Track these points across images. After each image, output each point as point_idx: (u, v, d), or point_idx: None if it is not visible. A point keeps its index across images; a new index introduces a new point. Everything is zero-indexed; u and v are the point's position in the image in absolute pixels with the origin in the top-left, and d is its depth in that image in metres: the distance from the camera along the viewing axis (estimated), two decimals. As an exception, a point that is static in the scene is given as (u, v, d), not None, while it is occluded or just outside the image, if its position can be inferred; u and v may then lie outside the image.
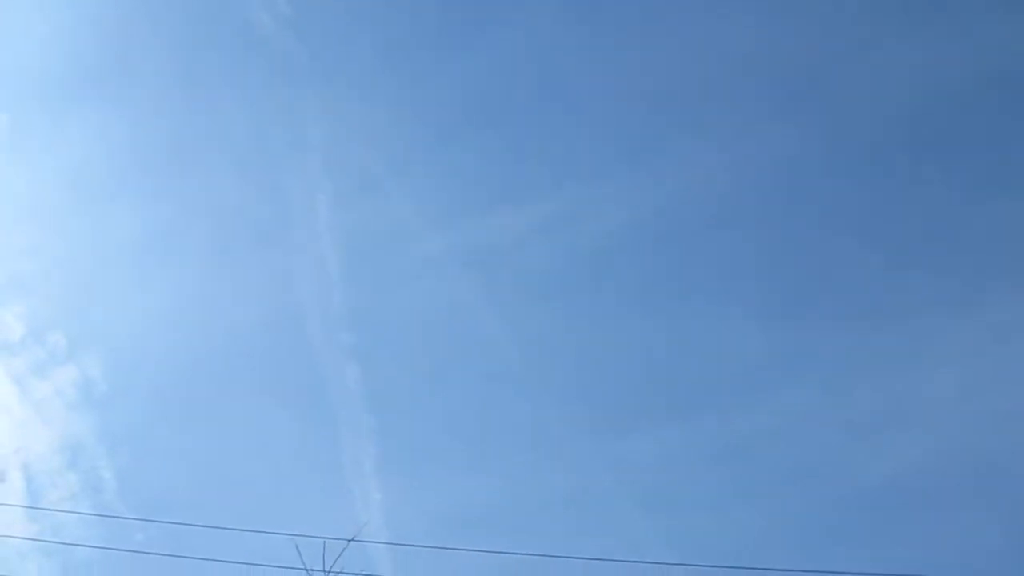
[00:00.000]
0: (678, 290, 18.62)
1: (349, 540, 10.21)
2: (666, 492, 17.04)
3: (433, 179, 19.42)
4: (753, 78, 18.82)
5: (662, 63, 18.97)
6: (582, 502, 16.86)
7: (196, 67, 19.83)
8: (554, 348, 18.60)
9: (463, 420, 18.08)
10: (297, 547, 10.14)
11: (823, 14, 18.71)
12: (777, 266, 18.50)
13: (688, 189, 18.72)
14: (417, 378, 18.63)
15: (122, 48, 19.81)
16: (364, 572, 10.15)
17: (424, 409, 18.27)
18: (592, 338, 18.52)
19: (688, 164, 18.77)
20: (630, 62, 19.09)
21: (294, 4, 19.09)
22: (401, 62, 19.73)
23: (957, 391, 17.18)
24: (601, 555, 13.28)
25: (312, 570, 9.99)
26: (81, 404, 17.81)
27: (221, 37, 19.89)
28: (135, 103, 19.72)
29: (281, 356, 18.53)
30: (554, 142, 19.13)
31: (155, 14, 19.90)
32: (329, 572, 10.00)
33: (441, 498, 16.74)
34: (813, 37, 18.75)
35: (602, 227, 18.83)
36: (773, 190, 18.65)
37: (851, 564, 14.44)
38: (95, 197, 19.24)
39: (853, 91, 18.58)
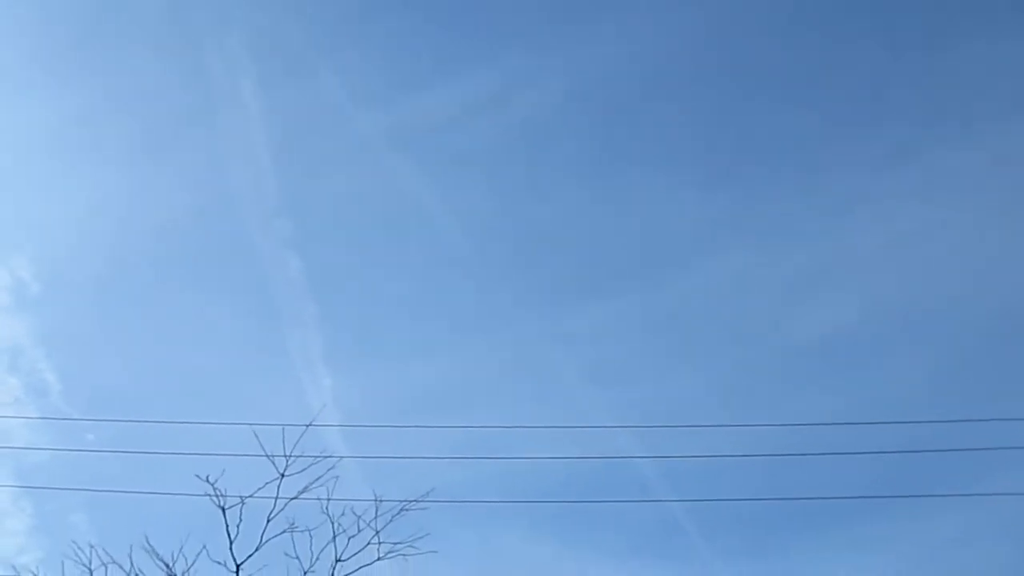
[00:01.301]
0: (615, 161, 18.61)
1: (307, 425, 10.29)
2: (610, 362, 17.52)
3: (363, 55, 18.75)
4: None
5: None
6: (528, 377, 17.27)
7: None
8: (494, 226, 18.61)
9: (407, 302, 18.13)
10: (256, 435, 10.19)
11: None
12: (710, 132, 18.59)
13: (622, 58, 18.49)
14: (357, 263, 18.51)
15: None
16: (322, 455, 10.25)
17: (367, 293, 18.25)
18: (532, 214, 18.56)
19: (622, 32, 18.47)
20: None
21: None
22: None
23: (887, 246, 17.83)
24: (554, 422, 13.67)
25: (273, 456, 10.08)
26: (14, 307, 17.30)
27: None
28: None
29: (217, 246, 18.16)
30: (486, 13, 18.58)
31: None
32: (290, 457, 10.11)
33: (390, 381, 16.95)
34: None
35: (537, 100, 18.57)
36: (704, 55, 18.53)
37: (788, 414, 15.20)
38: (4, 87, 18.18)
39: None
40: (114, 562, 9.76)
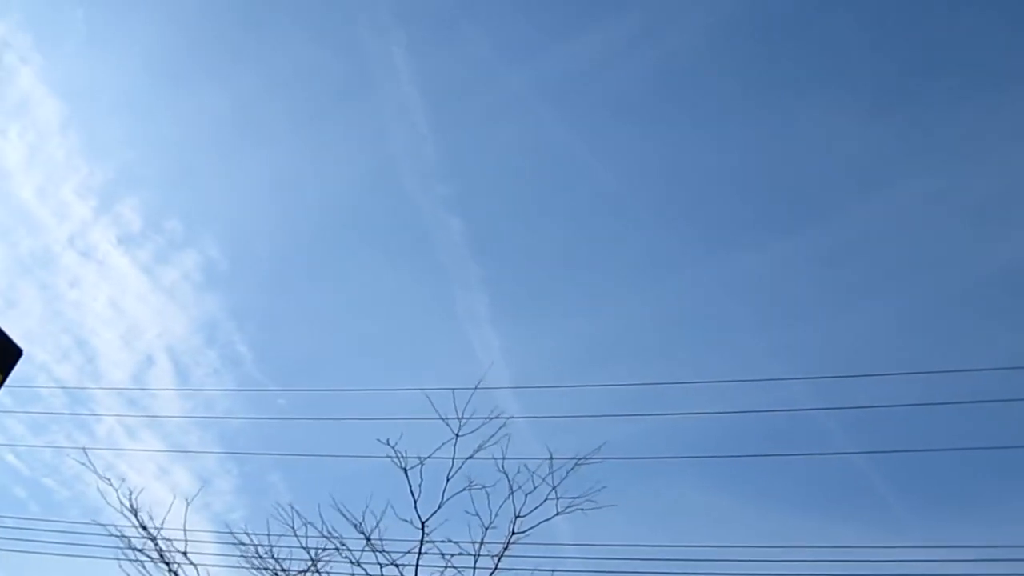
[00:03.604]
0: (772, 91, 17.59)
1: (475, 388, 10.49)
2: (783, 304, 16.90)
3: (505, 11, 18.64)
4: None
5: None
6: (696, 324, 16.92)
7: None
8: (652, 170, 18.17)
9: (569, 256, 18.13)
10: (429, 398, 10.48)
11: None
12: (877, 49, 17.24)
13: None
14: (518, 221, 18.65)
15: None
16: (493, 415, 10.44)
17: (529, 251, 18.39)
18: (689, 154, 17.96)
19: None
20: None
21: None
22: None
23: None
24: (722, 375, 13.37)
25: (447, 418, 10.37)
26: (207, 284, 18.63)
27: None
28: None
29: (383, 213, 18.79)
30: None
31: None
32: (463, 419, 10.36)
33: (557, 337, 17.07)
34: None
35: (682, 36, 17.78)
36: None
37: (970, 359, 14.16)
38: (177, 79, 19.33)
39: None
40: (310, 523, 10.32)
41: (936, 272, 16.40)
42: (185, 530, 10.45)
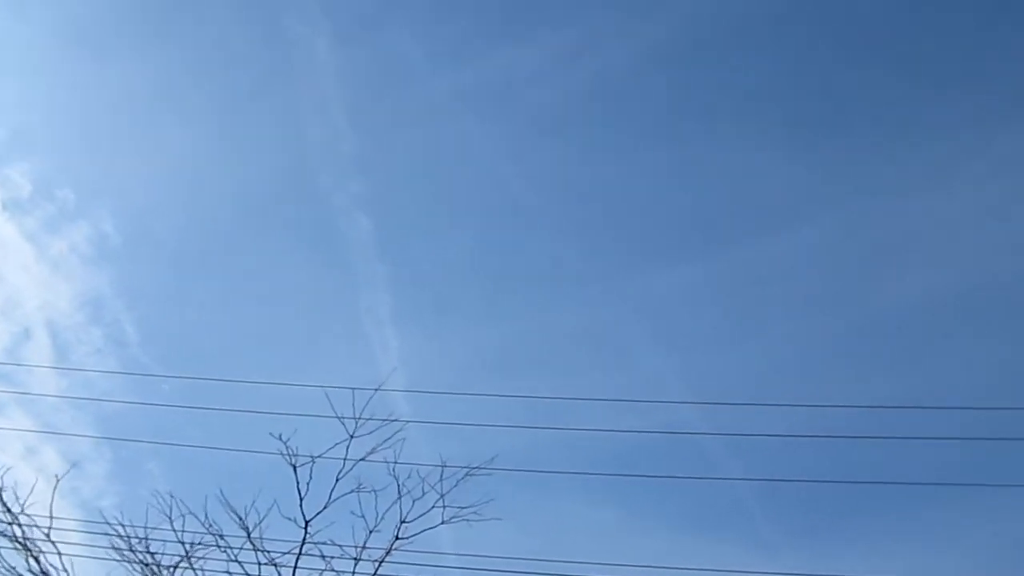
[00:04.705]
0: (692, 122, 18.14)
1: (376, 389, 10.39)
2: (680, 330, 17.30)
3: (437, 14, 18.63)
4: None
5: None
6: (599, 340, 17.15)
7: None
8: (568, 186, 18.37)
9: (477, 263, 18.16)
10: (327, 395, 10.33)
11: None
12: (795, 92, 17.95)
13: (702, 15, 17.90)
14: (429, 225, 18.57)
15: None
16: (391, 418, 10.36)
17: (437, 255, 18.33)
18: (606, 175, 18.25)
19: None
20: None
21: None
22: None
23: (978, 217, 17.06)
24: (618, 393, 13.58)
25: (343, 418, 10.23)
26: (97, 259, 17.90)
27: None
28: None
29: (293, 205, 18.44)
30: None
31: None
32: (360, 419, 10.24)
33: (459, 343, 17.05)
34: None
35: (612, 59, 18.13)
36: (795, 10, 17.83)
37: (862, 394, 14.78)
38: (94, 48, 18.60)
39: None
40: (191, 512, 10.03)
41: (827, 313, 17.06)
42: (51, 516, 10.01)
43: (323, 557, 9.99)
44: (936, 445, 12.54)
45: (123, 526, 10.01)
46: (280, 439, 10.20)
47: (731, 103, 17.98)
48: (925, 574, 11.98)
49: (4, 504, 9.97)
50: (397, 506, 10.15)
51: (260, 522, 9.99)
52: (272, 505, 10.02)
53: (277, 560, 9.96)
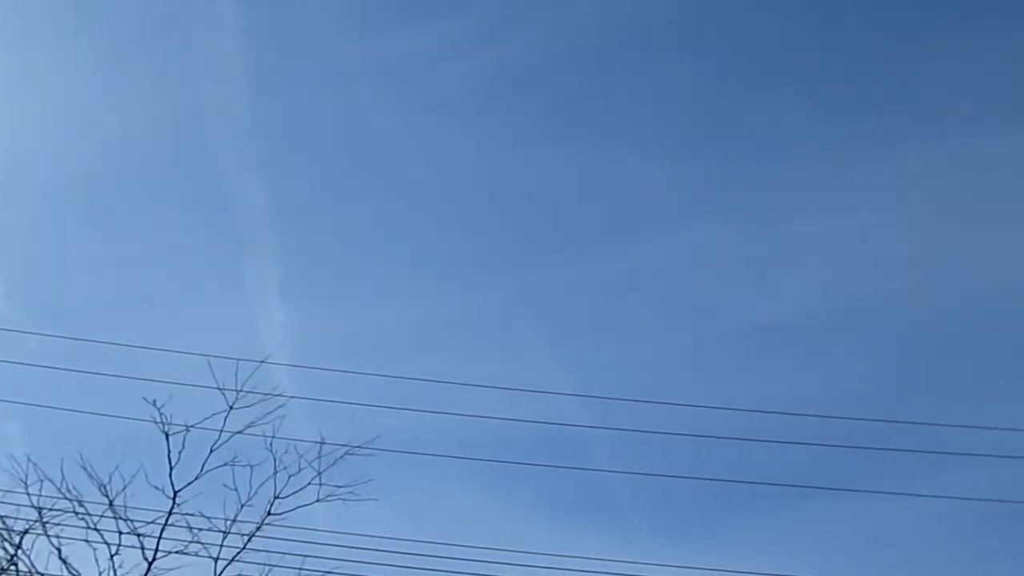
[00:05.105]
0: (594, 118, 18.38)
1: (261, 361, 10.16)
2: (566, 322, 17.58)
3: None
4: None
5: None
6: (486, 328, 17.26)
7: None
8: (465, 173, 18.38)
9: (370, 243, 17.94)
10: (210, 365, 10.02)
11: None
12: (690, 103, 18.48)
13: (617, 14, 18.14)
14: (324, 198, 18.23)
15: None
16: (273, 392, 10.13)
17: (330, 230, 18.01)
18: (505, 164, 18.34)
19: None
20: None
21: None
22: None
23: (852, 237, 18.01)
24: (502, 382, 13.71)
25: (224, 388, 9.95)
26: (-39, 203, 16.77)
27: None
28: None
29: (181, 164, 17.71)
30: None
31: None
32: (241, 391, 9.98)
33: (347, 321, 16.82)
34: None
35: (523, 48, 18.15)
36: (700, 24, 18.32)
37: (732, 397, 15.41)
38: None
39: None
40: (47, 478, 9.57)
41: (709, 316, 17.69)
42: None
43: (190, 529, 9.73)
44: (794, 449, 13.24)
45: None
46: (154, 405, 9.89)
47: (630, 105, 18.37)
48: (782, 569, 12.62)
49: None
50: (272, 481, 10.00)
51: (123, 489, 9.65)
52: (137, 472, 9.69)
53: (140, 530, 9.64)
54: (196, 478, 9.91)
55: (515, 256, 18.05)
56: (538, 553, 11.91)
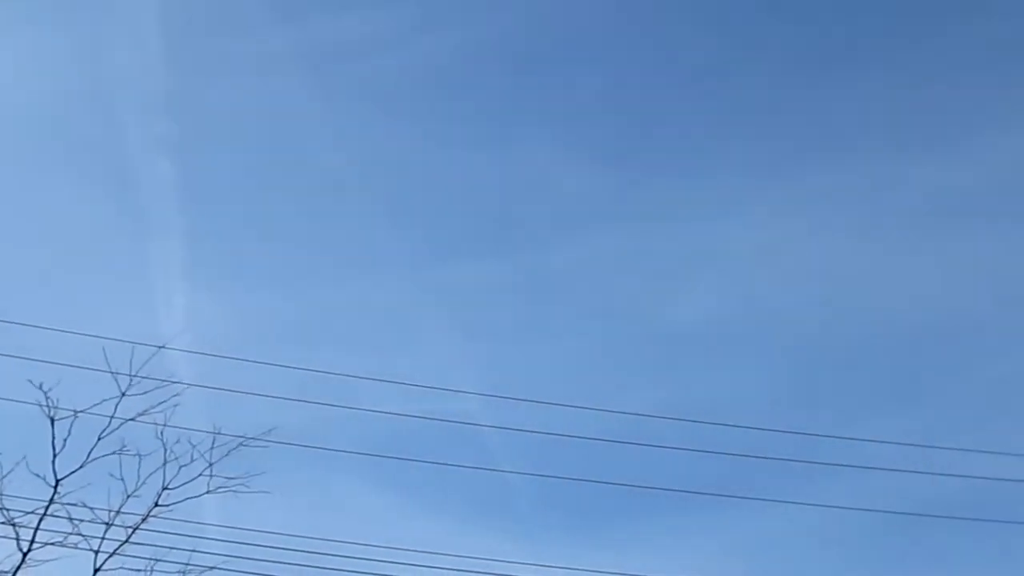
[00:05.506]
0: (517, 118, 18.58)
1: (160, 347, 9.86)
2: (479, 321, 17.61)
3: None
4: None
5: None
6: (396, 322, 17.14)
7: None
8: (386, 165, 18.22)
9: (282, 230, 17.61)
10: (104, 348, 9.67)
11: None
12: (616, 108, 18.75)
13: (545, 12, 18.27)
14: (237, 181, 17.79)
15: None
16: (169, 379, 9.84)
17: (241, 214, 17.61)
18: (422, 159, 18.28)
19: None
20: None
21: None
22: None
23: (757, 250, 18.53)
24: (409, 377, 13.63)
25: (117, 373, 9.61)
26: None
27: None
28: None
29: (85, 138, 17.04)
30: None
31: None
32: (134, 377, 9.66)
33: (251, 308, 16.47)
34: None
35: (451, 44, 18.14)
36: (625, 33, 18.58)
37: (640, 402, 15.69)
38: None
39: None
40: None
41: (615, 320, 17.95)
42: None
43: (71, 520, 9.38)
44: (691, 455, 13.56)
45: None
46: (40, 389, 9.49)
47: (555, 107, 18.56)
48: (673, 573, 12.95)
49: None
50: (161, 472, 9.72)
51: (2, 476, 9.23)
52: (21, 461, 9.28)
53: (17, 520, 9.24)
54: (81, 466, 9.55)
55: (428, 251, 18.01)
56: (434, 553, 11.90)
